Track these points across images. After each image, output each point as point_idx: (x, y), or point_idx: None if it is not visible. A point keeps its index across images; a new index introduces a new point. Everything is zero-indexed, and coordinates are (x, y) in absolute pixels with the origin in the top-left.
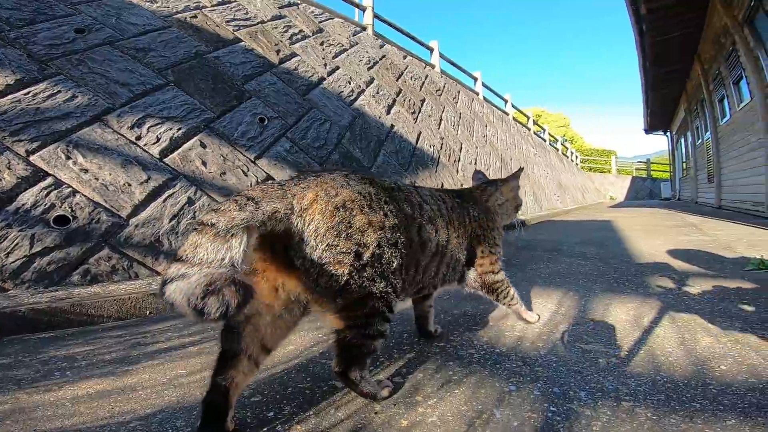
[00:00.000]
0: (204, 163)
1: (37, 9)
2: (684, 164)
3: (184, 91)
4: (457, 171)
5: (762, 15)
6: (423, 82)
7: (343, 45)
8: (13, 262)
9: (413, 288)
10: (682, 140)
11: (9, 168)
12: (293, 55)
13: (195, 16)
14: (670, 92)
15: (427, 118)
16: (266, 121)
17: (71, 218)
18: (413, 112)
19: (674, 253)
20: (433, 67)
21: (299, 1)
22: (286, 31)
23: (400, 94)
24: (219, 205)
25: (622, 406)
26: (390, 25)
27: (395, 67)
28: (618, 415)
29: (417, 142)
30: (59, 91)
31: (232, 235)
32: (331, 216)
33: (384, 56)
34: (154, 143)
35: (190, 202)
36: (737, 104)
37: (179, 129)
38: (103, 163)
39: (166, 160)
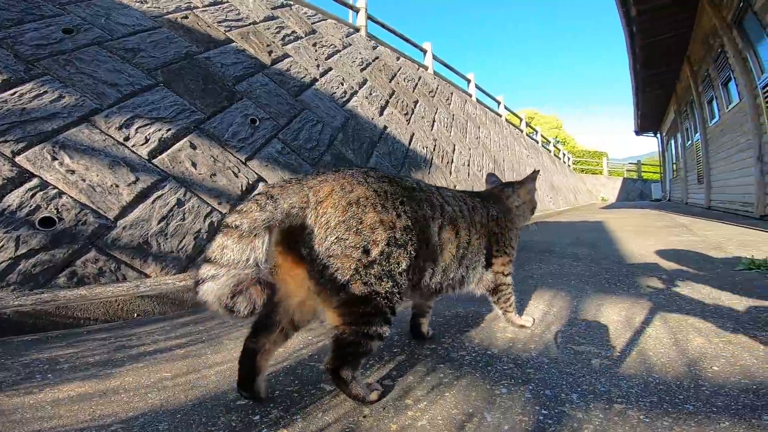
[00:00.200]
0: (194, 165)
1: (25, 9)
2: (674, 165)
3: (173, 92)
4: (450, 172)
5: (751, 16)
6: (416, 84)
7: (336, 46)
8: None
9: (433, 288)
10: (672, 141)
11: None
12: (286, 56)
13: (186, 17)
14: (660, 94)
15: (420, 119)
16: (257, 122)
17: (57, 220)
18: (406, 114)
19: (665, 253)
20: (426, 68)
21: (292, 2)
22: (278, 32)
23: (393, 96)
24: (242, 206)
25: (614, 409)
26: (383, 26)
27: (388, 68)
28: (610, 417)
29: (410, 144)
30: (46, 92)
31: (255, 235)
32: (344, 211)
33: (377, 57)
34: (142, 144)
35: (180, 203)
36: (726, 106)
37: (168, 130)
38: (90, 164)
39: (155, 161)
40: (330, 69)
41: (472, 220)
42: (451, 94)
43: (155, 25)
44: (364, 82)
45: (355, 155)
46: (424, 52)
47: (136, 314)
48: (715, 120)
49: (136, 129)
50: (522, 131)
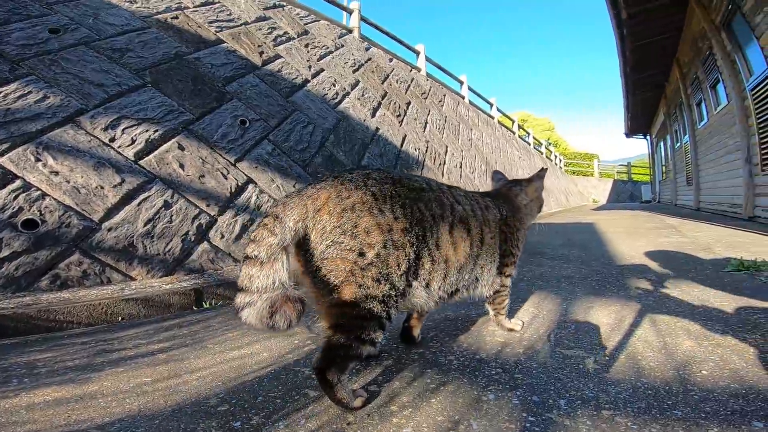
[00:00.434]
0: (182, 166)
1: (12, 9)
2: (663, 167)
3: (162, 93)
4: (443, 174)
5: (739, 18)
6: (409, 85)
7: (328, 47)
8: None
9: (447, 289)
10: (662, 143)
11: None
12: (277, 56)
13: (176, 17)
14: (650, 96)
15: (413, 121)
16: (248, 124)
17: (40, 222)
18: (398, 115)
19: (654, 254)
20: (419, 70)
21: (284, 3)
22: (270, 33)
23: (386, 97)
24: (254, 235)
25: (602, 415)
26: (376, 27)
27: (381, 69)
28: (598, 425)
29: (402, 145)
30: (30, 92)
31: (274, 260)
32: (339, 217)
33: (370, 59)
34: (129, 145)
35: (167, 205)
36: (714, 108)
37: (156, 131)
38: (74, 165)
39: (141, 162)
40: (322, 70)
41: (485, 219)
42: (444, 95)
43: (144, 25)
44: (357, 83)
45: (346, 157)
46: (417, 53)
47: (120, 318)
48: (703, 122)
49: (123, 130)
50: (514, 133)
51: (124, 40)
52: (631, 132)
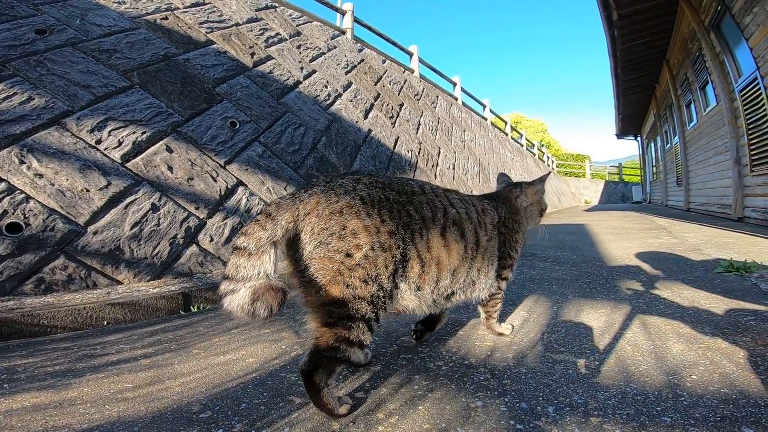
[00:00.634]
0: (170, 168)
1: None
2: (654, 168)
3: (150, 94)
4: (435, 176)
5: (728, 19)
6: (402, 87)
7: (320, 48)
8: None
9: (442, 292)
10: (652, 144)
11: None
12: (269, 58)
13: (166, 18)
14: (640, 98)
15: (406, 122)
16: (238, 125)
17: (24, 225)
18: (391, 117)
19: (645, 256)
20: (412, 71)
21: (276, 4)
22: (261, 34)
23: (379, 99)
24: (246, 229)
25: (590, 423)
26: (369, 29)
27: (374, 71)
28: None
29: (395, 147)
30: (15, 93)
31: (262, 252)
32: (327, 219)
33: (362, 60)
34: (115, 147)
35: (155, 208)
36: (704, 109)
37: (144, 133)
38: (59, 167)
39: (128, 164)
40: (314, 71)
41: (481, 222)
42: (437, 97)
43: (133, 26)
44: (349, 84)
45: (338, 159)
46: (411, 55)
47: (106, 322)
48: (693, 123)
49: (109, 132)
50: (507, 135)
51: (112, 41)
52: (622, 133)
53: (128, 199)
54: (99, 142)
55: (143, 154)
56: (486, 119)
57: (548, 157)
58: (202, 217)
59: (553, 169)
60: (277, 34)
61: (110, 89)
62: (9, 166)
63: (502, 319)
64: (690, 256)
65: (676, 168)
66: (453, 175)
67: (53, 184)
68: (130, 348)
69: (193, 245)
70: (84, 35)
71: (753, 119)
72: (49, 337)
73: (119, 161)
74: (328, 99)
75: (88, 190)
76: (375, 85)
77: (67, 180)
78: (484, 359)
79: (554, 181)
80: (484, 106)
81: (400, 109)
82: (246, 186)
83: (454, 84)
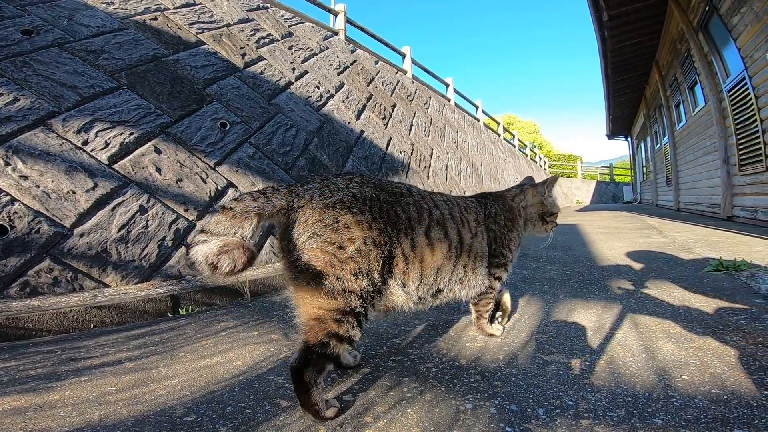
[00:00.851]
0: (158, 170)
1: None
2: (644, 168)
3: (138, 95)
4: (428, 177)
5: (716, 20)
6: (394, 88)
7: (312, 49)
8: None
9: (427, 290)
10: (642, 145)
11: None
12: (260, 58)
13: (155, 18)
14: (630, 98)
15: (398, 123)
16: (228, 126)
17: (9, 228)
18: (384, 118)
19: (635, 255)
20: (405, 72)
21: (268, 5)
22: (253, 35)
23: (371, 100)
24: (238, 196)
25: (581, 425)
26: (362, 30)
27: (366, 72)
28: None
29: (387, 148)
30: (1, 94)
31: (246, 218)
32: (321, 212)
33: (355, 61)
34: (102, 149)
35: (142, 210)
36: (692, 109)
37: (131, 134)
38: (45, 169)
39: (115, 166)
40: (306, 72)
41: (464, 220)
42: (430, 98)
43: (121, 26)
44: (342, 85)
45: (330, 160)
46: (403, 56)
47: (92, 325)
48: (682, 123)
49: (96, 133)
50: (500, 135)
51: (100, 41)
52: (612, 134)
53: (115, 201)
54: (86, 143)
55: (131, 156)
56: (479, 120)
57: (540, 158)
58: (191, 218)
59: (545, 169)
60: (269, 34)
61: (97, 90)
62: None
63: (494, 319)
64: (680, 255)
65: (666, 168)
66: (445, 175)
67: (39, 186)
68: (115, 351)
69: (183, 247)
70: (71, 36)
71: (741, 119)
72: (33, 340)
73: (106, 162)
74: (320, 100)
75: (74, 192)
76: (367, 86)
77: (53, 182)
78: (475, 360)
79: None
80: (477, 107)
81: (393, 110)
82: (236, 187)
83: (447, 85)
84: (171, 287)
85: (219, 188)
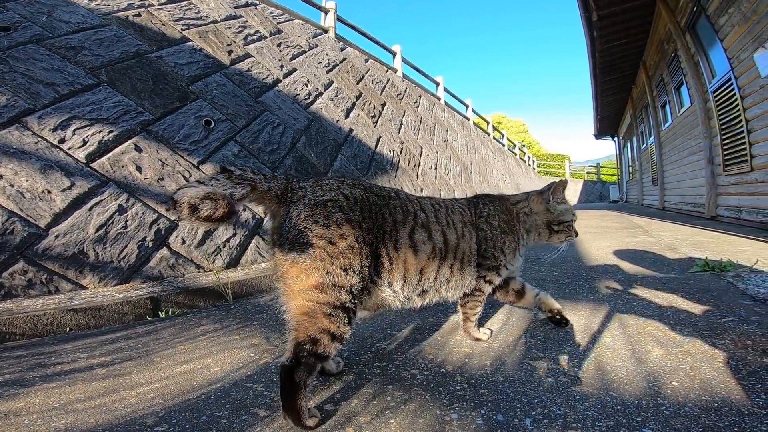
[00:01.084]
0: (139, 168)
1: None
2: (630, 168)
3: (118, 92)
4: (417, 176)
5: (703, 20)
6: (384, 86)
7: (301, 47)
8: None
9: (412, 289)
10: (629, 145)
11: None
12: (247, 56)
13: (139, 15)
14: (617, 99)
15: (388, 122)
16: (213, 124)
17: None
18: (373, 116)
19: (623, 254)
20: (395, 71)
21: (257, 2)
22: (240, 32)
23: (360, 98)
24: (242, 166)
25: None
26: (353, 28)
27: (356, 70)
28: None
29: (376, 147)
30: None
31: (240, 183)
32: (312, 208)
33: (345, 59)
34: (80, 147)
35: (121, 210)
36: (678, 109)
37: (111, 131)
38: (19, 168)
39: (93, 165)
40: (294, 70)
41: (450, 221)
42: (420, 96)
43: (103, 22)
44: (330, 83)
45: (318, 158)
46: (394, 54)
47: (68, 329)
48: (668, 123)
49: (74, 131)
50: (489, 135)
51: (80, 37)
52: (600, 133)
53: (93, 201)
54: (62, 141)
55: (110, 154)
56: (468, 119)
57: (529, 157)
58: (173, 218)
59: (534, 168)
60: (257, 31)
61: (75, 87)
62: None
63: (481, 322)
64: (667, 255)
65: (652, 168)
66: (435, 174)
67: (12, 185)
68: (87, 356)
69: (164, 248)
70: (50, 32)
71: (726, 120)
72: (5, 344)
73: (84, 161)
74: (309, 98)
75: (49, 192)
76: (357, 84)
77: (27, 181)
78: (461, 367)
79: (535, 181)
80: (467, 107)
81: (383, 109)
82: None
83: (438, 84)
84: (151, 289)
85: None
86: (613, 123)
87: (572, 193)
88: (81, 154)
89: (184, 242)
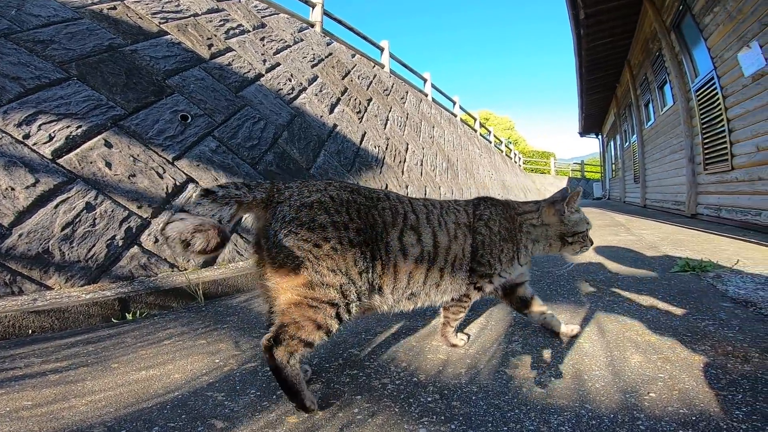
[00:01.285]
0: (108, 165)
1: None
2: (613, 165)
3: (88, 86)
4: (403, 172)
5: (688, 19)
6: (371, 82)
7: (286, 41)
8: None
9: (402, 293)
10: (612, 143)
11: None
12: (228, 49)
13: (114, 8)
14: (602, 97)
15: (373, 118)
16: (189, 119)
17: None
18: (358, 112)
19: (605, 253)
20: (382, 66)
21: None
22: (222, 25)
23: (346, 93)
24: (222, 183)
25: None
26: (340, 22)
27: (342, 65)
28: None
29: (361, 143)
30: None
31: (226, 203)
32: (298, 210)
33: (331, 54)
34: (45, 142)
35: (89, 207)
36: (661, 108)
37: (79, 127)
38: None
39: (60, 161)
40: (278, 64)
41: (441, 222)
42: (407, 92)
43: (75, 16)
44: (315, 78)
45: (300, 154)
46: (382, 50)
47: (30, 331)
48: (651, 122)
49: (39, 126)
50: (476, 131)
51: (50, 31)
52: (584, 131)
53: (59, 198)
54: (27, 136)
55: (77, 150)
56: (456, 116)
57: (515, 154)
58: (145, 216)
59: (520, 165)
60: (240, 25)
61: (43, 81)
62: None
63: (462, 326)
64: (647, 254)
65: (634, 166)
66: (421, 171)
67: None
68: (41, 362)
69: (135, 246)
70: (18, 26)
71: (707, 119)
72: None
73: (50, 157)
74: (292, 93)
75: (13, 189)
76: (342, 79)
77: None
78: (435, 376)
79: (521, 178)
80: (454, 103)
81: (369, 104)
82: (197, 183)
83: (425, 80)
84: (120, 289)
85: (177, 184)
86: (598, 121)
87: (557, 190)
88: (47, 150)
89: (157, 241)
